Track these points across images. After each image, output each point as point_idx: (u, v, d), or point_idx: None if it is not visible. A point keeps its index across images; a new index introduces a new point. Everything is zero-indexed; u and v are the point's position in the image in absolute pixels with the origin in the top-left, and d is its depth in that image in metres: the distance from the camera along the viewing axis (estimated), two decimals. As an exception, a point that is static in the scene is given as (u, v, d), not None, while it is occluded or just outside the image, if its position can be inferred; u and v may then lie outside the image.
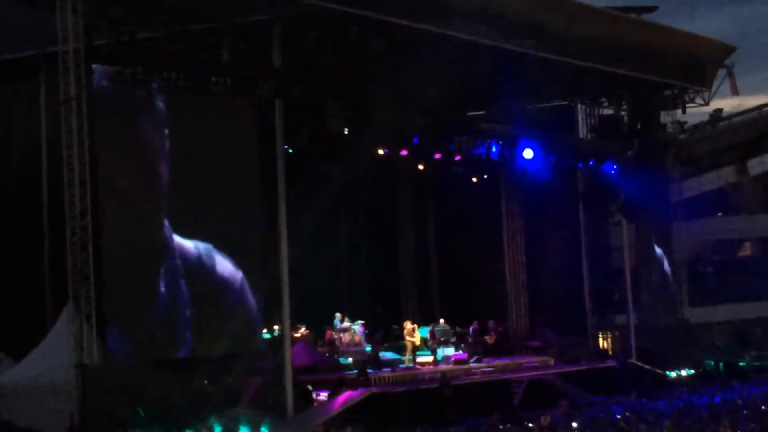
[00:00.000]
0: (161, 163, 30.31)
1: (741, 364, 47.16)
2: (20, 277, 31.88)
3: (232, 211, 31.36)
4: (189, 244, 30.63)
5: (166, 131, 30.37)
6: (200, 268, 30.84)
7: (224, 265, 31.23)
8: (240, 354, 30.78)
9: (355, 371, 35.25)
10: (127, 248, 29.61)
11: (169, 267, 30.31)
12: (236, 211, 31.51)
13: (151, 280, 30.06)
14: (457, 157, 40.93)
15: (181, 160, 30.56)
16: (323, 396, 33.09)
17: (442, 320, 41.22)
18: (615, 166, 44.93)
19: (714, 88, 45.71)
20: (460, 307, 42.92)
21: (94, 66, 28.71)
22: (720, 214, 63.87)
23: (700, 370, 45.27)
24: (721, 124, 62.83)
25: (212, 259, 30.99)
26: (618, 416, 31.02)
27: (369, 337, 38.53)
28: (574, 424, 27.49)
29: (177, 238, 30.44)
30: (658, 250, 47.82)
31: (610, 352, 45.91)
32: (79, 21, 28.70)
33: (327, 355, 37.65)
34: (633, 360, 44.32)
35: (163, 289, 30.20)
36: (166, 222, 30.33)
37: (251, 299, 31.70)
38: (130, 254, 29.66)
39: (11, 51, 31.10)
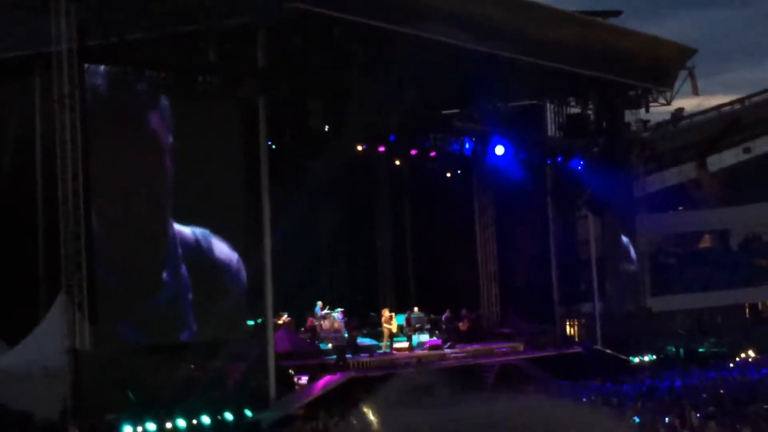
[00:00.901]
0: (158, 157, 30.45)
1: (700, 350, 47.39)
2: (15, 267, 31.76)
3: (222, 202, 31.46)
4: (187, 230, 30.78)
5: (163, 127, 30.51)
6: (199, 252, 30.94)
7: (221, 248, 31.37)
8: (226, 340, 30.80)
9: (335, 356, 35.29)
10: (131, 239, 29.79)
11: (170, 254, 30.48)
12: (226, 203, 31.59)
13: (155, 268, 30.29)
14: (432, 154, 41.06)
15: (175, 153, 30.78)
16: (304, 380, 33.14)
17: (417, 308, 41.28)
18: (582, 163, 45.09)
19: (675, 88, 45.83)
20: (434, 296, 42.95)
21: (94, 67, 28.80)
22: (681, 208, 64.04)
23: (662, 355, 45.48)
24: (683, 122, 62.86)
25: (210, 246, 31.18)
26: (584, 399, 31.22)
27: (348, 323, 38.54)
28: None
29: (176, 226, 30.58)
30: (624, 241, 48.00)
31: (577, 339, 46.12)
32: (72, 23, 28.71)
33: (308, 341, 37.67)
34: (598, 346, 44.51)
35: (165, 275, 30.34)
36: (165, 210, 30.51)
37: (243, 283, 31.82)
38: (134, 244, 29.83)
39: (7, 51, 30.96)
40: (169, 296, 30.55)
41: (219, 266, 31.53)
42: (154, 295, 30.24)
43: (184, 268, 30.77)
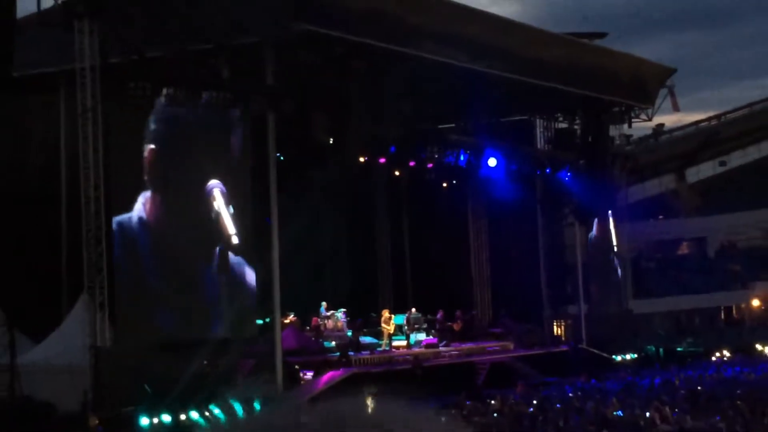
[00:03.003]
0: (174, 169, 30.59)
1: (678, 349, 47.26)
2: (40, 269, 31.74)
3: (235, 212, 31.41)
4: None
5: (178, 140, 30.60)
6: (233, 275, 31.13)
7: (236, 260, 31.38)
8: (236, 338, 30.76)
9: (338, 354, 35.21)
10: (183, 240, 29.81)
11: (214, 263, 30.51)
12: (236, 212, 31.51)
13: (199, 271, 30.27)
14: (429, 165, 41.01)
15: (189, 165, 30.79)
16: (309, 375, 33.05)
17: (414, 309, 41.20)
18: (569, 174, 45.03)
19: (656, 105, 45.81)
20: (431, 297, 42.88)
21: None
22: (661, 217, 64.06)
23: (643, 354, 45.35)
24: (663, 137, 63.10)
25: (242, 269, 31.32)
26: (570, 394, 31.13)
27: (350, 323, 38.48)
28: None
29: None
30: (613, 249, 47.82)
31: (563, 338, 45.98)
32: (94, 41, 28.68)
33: (313, 339, 37.58)
34: (583, 345, 44.39)
35: (207, 280, 30.37)
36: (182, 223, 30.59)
37: (252, 288, 31.76)
38: (185, 245, 29.85)
39: (34, 67, 30.96)
40: (201, 297, 30.56)
41: (236, 275, 31.47)
42: (191, 295, 30.31)
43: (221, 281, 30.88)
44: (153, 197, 29.50)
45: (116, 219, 28.95)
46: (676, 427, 23.51)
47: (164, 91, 29.44)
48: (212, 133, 30.79)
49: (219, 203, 30.71)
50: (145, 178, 29.36)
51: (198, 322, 30.36)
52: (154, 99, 29.31)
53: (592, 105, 43.42)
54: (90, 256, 28.57)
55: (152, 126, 29.56)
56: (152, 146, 29.50)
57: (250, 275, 31.47)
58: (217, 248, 30.75)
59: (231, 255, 31.12)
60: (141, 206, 29.36)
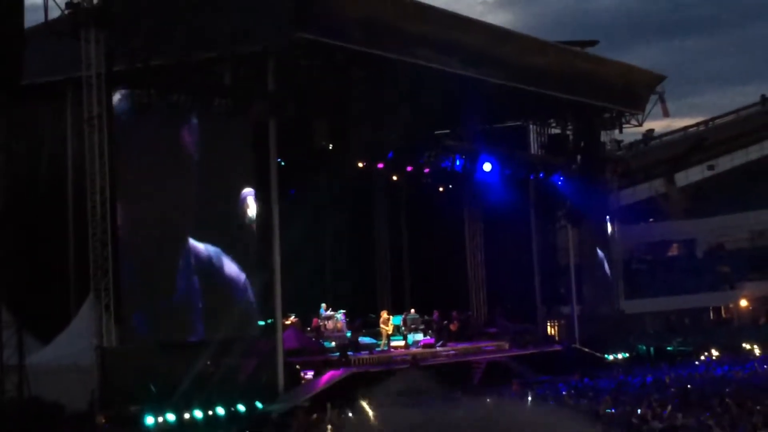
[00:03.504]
0: (177, 174, 30.52)
1: (669, 348, 47.38)
2: (48, 272, 31.80)
3: (233, 216, 31.47)
4: (201, 247, 30.77)
5: (182, 146, 30.61)
6: (210, 267, 30.95)
7: (230, 266, 31.33)
8: (239, 338, 30.80)
9: (338, 354, 35.27)
10: (151, 247, 29.78)
11: (184, 264, 30.44)
12: (237, 216, 31.59)
13: (170, 275, 30.19)
14: (426, 170, 41.09)
15: (191, 171, 30.74)
16: (310, 375, 33.11)
17: (412, 310, 41.29)
18: (561, 178, 45.15)
19: (647, 111, 45.92)
20: (428, 298, 42.97)
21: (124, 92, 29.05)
22: (651, 219, 64.14)
23: (634, 353, 45.47)
24: (653, 142, 63.18)
25: (220, 261, 31.14)
26: (564, 393, 31.20)
27: (349, 324, 38.56)
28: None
29: (191, 241, 30.60)
30: (600, 252, 47.99)
31: (557, 338, 46.11)
32: (100, 50, 28.82)
33: (313, 339, 37.66)
34: (576, 345, 44.50)
35: (179, 282, 30.33)
36: (182, 227, 30.57)
37: (251, 293, 31.77)
38: (154, 253, 29.83)
39: (42, 76, 31.04)
40: (180, 300, 30.52)
41: (227, 280, 31.44)
42: (168, 297, 30.23)
43: (195, 278, 30.75)
44: (118, 207, 29.70)
45: None
46: (666, 423, 23.59)
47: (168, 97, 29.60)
48: (168, 134, 30.71)
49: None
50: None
51: (170, 326, 30.32)
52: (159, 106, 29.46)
53: (584, 111, 43.50)
54: (96, 259, 28.67)
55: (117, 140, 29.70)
56: (119, 160, 29.60)
57: (246, 282, 31.48)
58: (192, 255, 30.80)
59: (227, 263, 31.25)
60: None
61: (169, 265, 30.25)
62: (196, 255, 30.71)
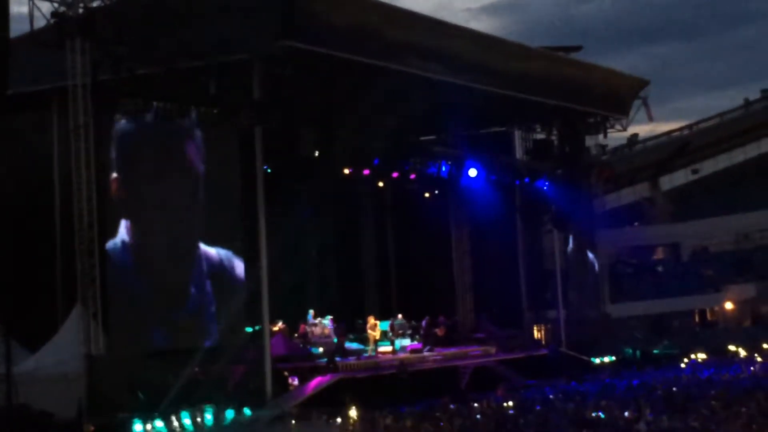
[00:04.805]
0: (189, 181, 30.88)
1: (655, 351, 47.34)
2: (35, 280, 31.72)
3: (219, 223, 31.46)
4: (212, 251, 30.91)
5: (187, 155, 30.82)
6: (222, 270, 31.19)
7: (241, 268, 31.50)
8: (226, 346, 30.76)
9: (325, 360, 35.21)
10: (163, 256, 29.85)
11: (196, 270, 30.49)
12: (223, 223, 31.58)
13: (183, 282, 30.23)
14: (412, 176, 41.08)
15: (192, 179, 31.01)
16: (297, 381, 33.05)
17: (399, 315, 41.23)
18: (547, 183, 45.18)
19: (631, 116, 45.92)
20: (415, 304, 42.94)
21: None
22: (636, 223, 64.30)
23: (620, 357, 45.41)
24: (637, 146, 63.50)
25: (231, 263, 31.35)
26: (550, 396, 31.18)
27: (337, 330, 38.49)
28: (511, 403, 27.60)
29: (202, 246, 30.75)
30: (590, 255, 47.90)
31: (543, 342, 46.06)
32: (86, 59, 28.78)
33: (300, 345, 37.57)
34: (563, 349, 44.48)
35: (192, 289, 30.37)
36: (191, 233, 30.87)
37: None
38: (166, 261, 29.88)
39: (28, 85, 30.97)
40: (189, 308, 30.61)
41: (238, 283, 31.57)
42: (182, 306, 30.33)
43: (208, 283, 30.91)
44: (127, 222, 29.82)
45: (107, 245, 29.47)
46: (653, 426, 23.59)
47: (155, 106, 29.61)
48: (169, 147, 30.83)
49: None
50: (117, 205, 29.73)
51: (186, 334, 30.32)
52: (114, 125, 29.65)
53: (569, 116, 43.55)
54: (83, 267, 28.60)
55: (113, 154, 29.80)
56: (115, 175, 29.72)
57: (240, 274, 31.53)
58: (204, 260, 30.84)
59: (223, 259, 31.31)
60: (124, 230, 30.01)
61: (182, 273, 30.26)
62: (208, 259, 30.80)
